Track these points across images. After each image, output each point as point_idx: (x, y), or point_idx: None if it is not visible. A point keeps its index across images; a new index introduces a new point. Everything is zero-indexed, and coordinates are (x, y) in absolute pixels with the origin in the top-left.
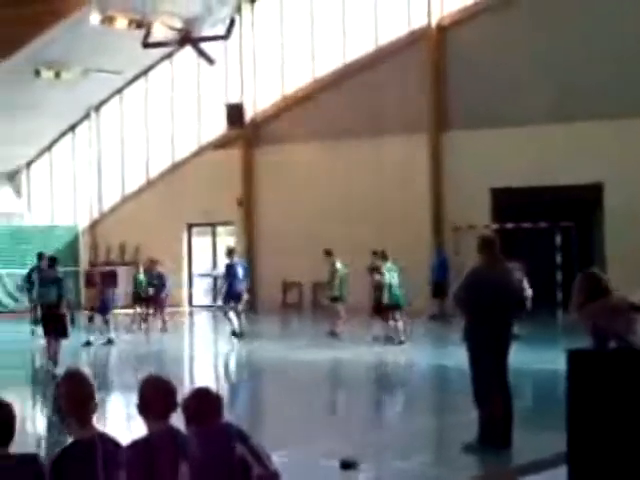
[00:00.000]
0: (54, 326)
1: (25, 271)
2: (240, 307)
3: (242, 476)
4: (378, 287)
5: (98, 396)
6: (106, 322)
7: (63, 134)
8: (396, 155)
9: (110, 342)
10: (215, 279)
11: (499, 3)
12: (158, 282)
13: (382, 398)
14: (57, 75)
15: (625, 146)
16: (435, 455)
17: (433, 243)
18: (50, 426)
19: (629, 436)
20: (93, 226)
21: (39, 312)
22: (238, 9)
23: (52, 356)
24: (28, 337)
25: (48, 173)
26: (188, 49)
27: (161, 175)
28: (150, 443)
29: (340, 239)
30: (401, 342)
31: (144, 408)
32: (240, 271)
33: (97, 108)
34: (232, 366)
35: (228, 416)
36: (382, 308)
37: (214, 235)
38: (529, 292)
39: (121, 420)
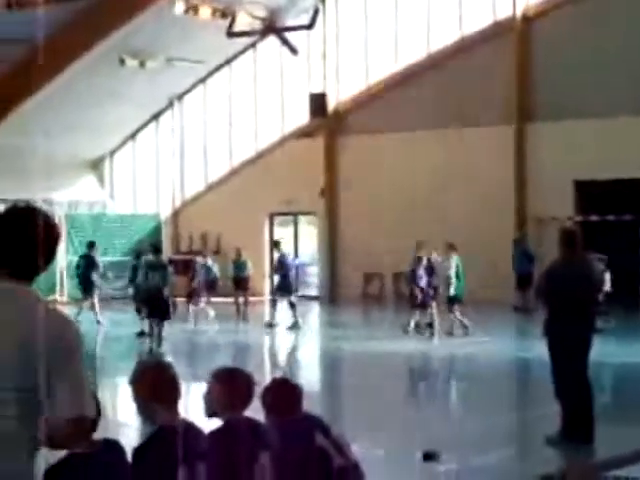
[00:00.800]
0: (158, 309)
1: (106, 259)
2: (293, 298)
3: (322, 467)
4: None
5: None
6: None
7: (146, 123)
8: (479, 146)
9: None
10: (296, 269)
11: None
12: (243, 271)
13: (462, 390)
14: (141, 64)
15: None
16: (516, 448)
17: (515, 235)
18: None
19: None
20: (175, 215)
21: (143, 296)
22: None
23: (156, 337)
24: (124, 321)
25: (131, 162)
26: (272, 39)
27: (243, 164)
28: (229, 432)
29: (422, 230)
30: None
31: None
32: (290, 262)
33: (180, 97)
34: (313, 357)
35: (307, 407)
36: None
37: (296, 225)
38: (607, 285)
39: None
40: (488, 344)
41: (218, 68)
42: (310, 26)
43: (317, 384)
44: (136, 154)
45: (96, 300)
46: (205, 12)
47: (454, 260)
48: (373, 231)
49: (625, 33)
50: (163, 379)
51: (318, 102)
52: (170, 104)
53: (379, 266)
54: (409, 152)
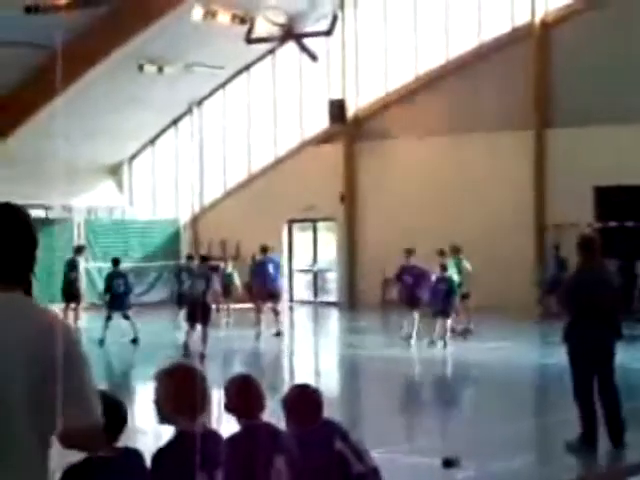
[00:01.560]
0: (201, 314)
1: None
2: (276, 305)
3: (341, 472)
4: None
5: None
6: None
7: (165, 129)
8: (499, 152)
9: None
10: (315, 275)
11: None
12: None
13: (483, 396)
14: (160, 70)
15: None
16: (537, 454)
17: (536, 241)
18: None
19: None
20: (194, 220)
21: (188, 301)
22: (341, 5)
23: (202, 339)
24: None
25: (150, 167)
26: (291, 45)
27: (263, 170)
28: (248, 438)
29: (441, 236)
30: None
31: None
32: (271, 268)
33: (199, 103)
34: (332, 363)
35: (326, 412)
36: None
37: (315, 231)
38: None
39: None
40: (509, 350)
41: (237, 74)
42: (329, 32)
43: (336, 390)
44: (155, 160)
45: (80, 306)
46: (224, 18)
47: (452, 263)
48: (392, 236)
49: None
50: (188, 385)
51: (337, 108)
52: (189, 110)
53: None
54: (428, 158)
